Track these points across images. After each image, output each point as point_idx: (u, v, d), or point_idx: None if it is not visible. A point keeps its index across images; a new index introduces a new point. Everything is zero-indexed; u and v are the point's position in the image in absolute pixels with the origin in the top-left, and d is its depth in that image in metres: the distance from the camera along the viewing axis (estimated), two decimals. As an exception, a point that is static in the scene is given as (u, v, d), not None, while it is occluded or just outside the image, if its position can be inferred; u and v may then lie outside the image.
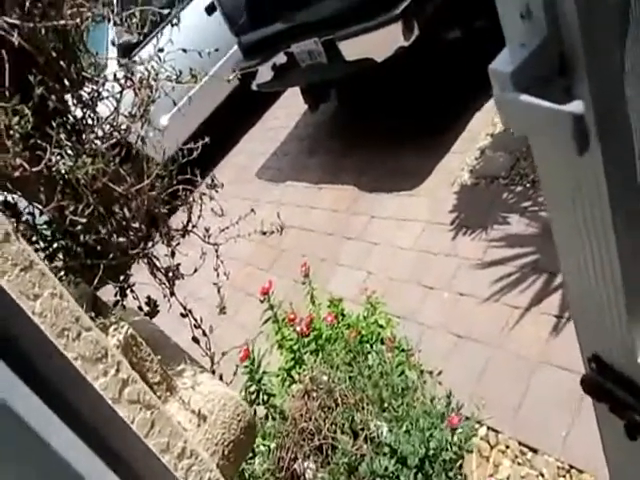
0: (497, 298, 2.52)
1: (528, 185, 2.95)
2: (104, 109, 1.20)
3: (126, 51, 4.31)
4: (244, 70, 4.30)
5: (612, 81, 0.44)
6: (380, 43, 3.41)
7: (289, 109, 5.50)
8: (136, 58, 1.36)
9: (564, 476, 1.84)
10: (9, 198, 1.01)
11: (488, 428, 2.11)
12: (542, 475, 1.88)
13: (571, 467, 1.84)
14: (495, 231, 2.84)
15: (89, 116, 1.13)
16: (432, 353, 2.48)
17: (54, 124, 0.96)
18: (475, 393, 2.20)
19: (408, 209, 3.45)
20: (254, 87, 4.41)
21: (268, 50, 4.09)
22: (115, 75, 1.19)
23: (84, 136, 1.08)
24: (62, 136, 1.01)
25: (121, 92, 1.20)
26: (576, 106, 0.41)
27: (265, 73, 4.17)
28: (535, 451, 1.95)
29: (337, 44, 3.59)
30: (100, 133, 1.13)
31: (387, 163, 3.93)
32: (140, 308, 1.33)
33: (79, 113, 1.12)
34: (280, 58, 3.98)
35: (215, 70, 4.93)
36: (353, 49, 3.55)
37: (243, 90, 4.67)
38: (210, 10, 5.00)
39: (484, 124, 3.61)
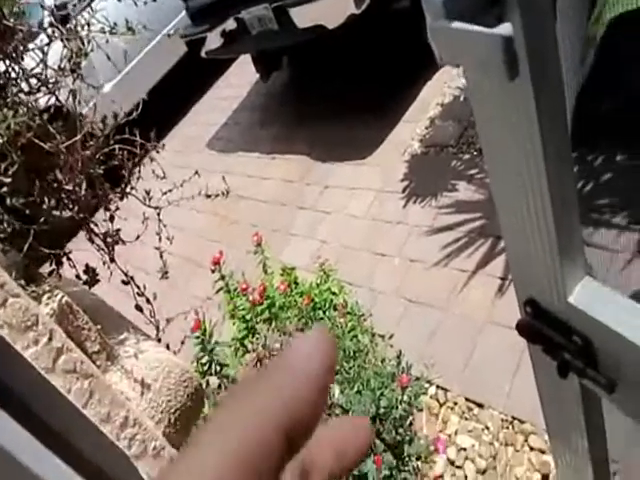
0: (446, 263, 2.58)
1: (475, 153, 3.01)
2: (32, 63, 1.12)
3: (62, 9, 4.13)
4: (192, 36, 4.18)
5: (542, 8, 0.43)
6: (332, 10, 3.38)
7: (241, 78, 5.38)
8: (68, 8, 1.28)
9: (507, 428, 1.93)
10: None
11: (437, 387, 2.17)
12: (487, 428, 1.97)
13: (514, 419, 1.93)
14: (444, 198, 2.89)
15: (13, 68, 1.05)
16: (384, 318, 2.52)
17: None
18: (425, 354, 2.25)
19: (360, 178, 3.46)
20: (203, 54, 4.28)
21: (217, 16, 3.96)
22: (41, 24, 1.11)
23: (7, 89, 1.00)
24: (-18, 89, 0.93)
25: (48, 44, 1.12)
26: (505, 28, 0.40)
27: (214, 40, 4.05)
28: (481, 406, 2.03)
29: (288, 10, 3.53)
30: (26, 87, 1.06)
31: (339, 133, 3.92)
32: (78, 277, 1.26)
33: (2, 66, 1.04)
34: (230, 24, 3.86)
35: (162, 36, 4.78)
36: (305, 16, 3.49)
37: (192, 58, 4.54)
38: None
39: (434, 93, 3.64)
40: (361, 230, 3.10)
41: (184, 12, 4.42)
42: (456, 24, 0.42)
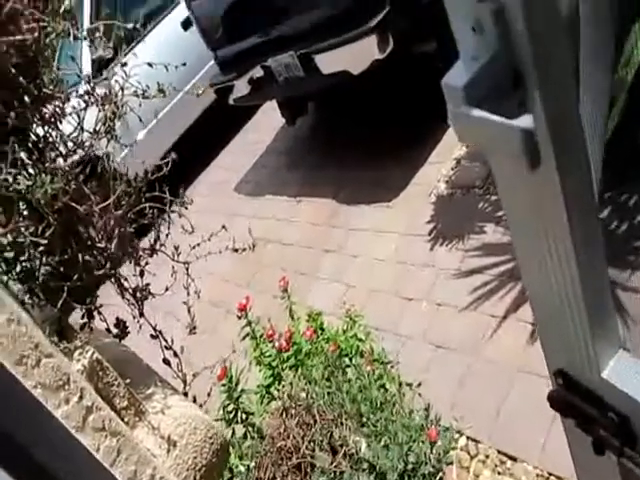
0: (475, 307, 2.53)
1: None
2: (69, 126, 1.17)
3: (101, 67, 4.29)
4: (221, 84, 4.29)
5: (564, 94, 0.43)
6: (356, 56, 3.42)
7: (267, 123, 5.48)
8: (104, 74, 1.33)
9: (543, 484, 1.84)
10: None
11: (468, 438, 2.10)
12: (522, 484, 1.88)
13: (550, 474, 1.84)
14: (472, 240, 2.85)
15: (50, 134, 1.09)
16: (411, 365, 2.47)
17: (11, 142, 0.92)
18: (454, 403, 2.20)
19: (386, 221, 3.45)
20: (231, 101, 4.39)
21: (245, 64, 4.07)
22: (78, 91, 1.16)
23: (45, 153, 1.05)
24: (22, 155, 0.97)
25: (85, 108, 1.17)
26: (526, 121, 0.40)
27: (242, 87, 4.15)
28: (514, 459, 1.95)
29: (313, 57, 3.60)
30: (63, 150, 1.10)
31: (365, 175, 3.94)
32: (109, 330, 1.28)
33: (41, 131, 1.09)
34: (257, 72, 3.97)
35: (192, 85, 4.92)
36: (329, 62, 3.56)
37: (220, 104, 4.65)
38: (186, 25, 4.97)
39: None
40: (387, 273, 3.08)
41: (213, 61, 4.57)
42: (477, 112, 0.41)
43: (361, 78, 3.48)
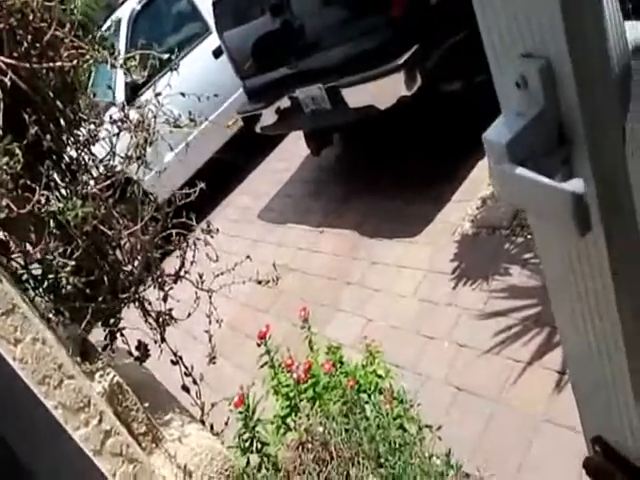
0: (498, 351, 2.45)
1: (529, 237, 2.88)
2: (101, 150, 1.19)
3: (133, 92, 4.40)
4: (248, 113, 4.36)
5: (614, 156, 0.41)
6: (383, 91, 3.45)
7: (293, 151, 5.53)
8: (136, 101, 1.36)
9: None
10: (1, 235, 0.99)
11: (489, 489, 2.02)
12: (545, 542, 1.79)
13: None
14: (496, 282, 2.79)
15: (83, 157, 1.11)
16: (432, 406, 2.40)
17: (46, 164, 0.94)
18: (476, 450, 2.12)
19: (409, 256, 3.41)
20: (258, 130, 4.46)
21: (272, 94, 4.14)
22: (111, 117, 1.19)
23: (78, 176, 1.06)
24: (56, 176, 0.99)
25: (117, 134, 1.19)
26: (577, 184, 0.37)
27: (269, 117, 4.22)
28: (537, 516, 1.87)
29: (341, 91, 3.64)
30: (95, 174, 1.12)
31: (388, 209, 3.92)
32: (130, 353, 1.29)
33: (74, 153, 1.11)
34: (284, 102, 4.03)
35: (220, 112, 5.00)
36: (356, 96, 3.58)
37: (248, 132, 4.72)
38: (217, 53, 5.11)
39: (486, 173, 3.58)
40: (409, 310, 3.02)
41: (241, 89, 4.66)
42: (522, 171, 0.39)
43: (388, 113, 3.49)
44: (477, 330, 2.60)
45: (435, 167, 3.91)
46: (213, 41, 5.09)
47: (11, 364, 0.82)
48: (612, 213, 0.41)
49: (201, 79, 4.38)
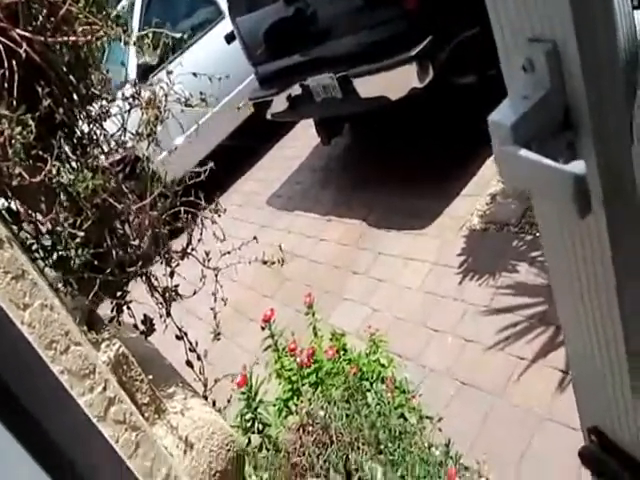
0: (502, 347, 2.45)
1: (538, 235, 2.88)
2: (112, 126, 1.21)
3: (145, 73, 4.41)
4: (259, 99, 4.37)
5: (618, 142, 0.42)
6: (395, 83, 3.43)
7: (303, 139, 5.53)
8: (149, 80, 1.38)
9: (564, 539, 1.75)
10: (12, 205, 1.01)
11: (487, 481, 2.04)
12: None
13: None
14: (503, 278, 2.78)
15: (95, 132, 1.13)
16: (433, 398, 2.40)
17: (59, 136, 0.96)
18: (475, 443, 2.13)
19: (415, 249, 3.41)
20: (268, 116, 4.46)
21: (284, 81, 4.14)
22: (123, 94, 1.21)
23: (89, 150, 1.08)
24: (67, 149, 1.01)
25: (129, 110, 1.21)
26: (578, 166, 0.38)
27: (280, 103, 4.22)
28: (536, 511, 1.87)
29: (352, 81, 3.62)
30: (105, 148, 1.14)
31: (397, 201, 3.92)
32: (136, 326, 1.31)
33: (86, 128, 1.13)
34: (295, 90, 4.03)
35: (232, 97, 5.01)
36: (368, 87, 3.57)
37: (258, 118, 4.72)
38: (230, 39, 5.10)
39: (495, 169, 3.57)
40: (414, 302, 3.03)
41: (253, 75, 4.66)
42: (525, 152, 0.39)
43: (399, 104, 3.47)
44: (482, 325, 2.60)
45: (445, 161, 3.89)
46: (226, 26, 5.08)
47: (19, 328, 0.85)
48: (614, 198, 0.42)
49: (213, 64, 4.39)
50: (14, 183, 0.88)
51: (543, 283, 2.60)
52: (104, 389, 0.99)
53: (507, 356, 2.41)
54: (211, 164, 1.47)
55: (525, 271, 2.73)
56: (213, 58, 4.88)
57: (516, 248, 2.91)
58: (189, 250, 1.37)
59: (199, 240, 1.42)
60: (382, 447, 2.13)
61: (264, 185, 5.36)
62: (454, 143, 3.94)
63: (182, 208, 1.36)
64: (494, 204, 3.35)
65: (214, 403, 1.44)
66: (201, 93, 1.50)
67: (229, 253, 1.61)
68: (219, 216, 1.53)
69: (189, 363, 1.40)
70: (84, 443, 0.91)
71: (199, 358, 1.41)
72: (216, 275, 1.52)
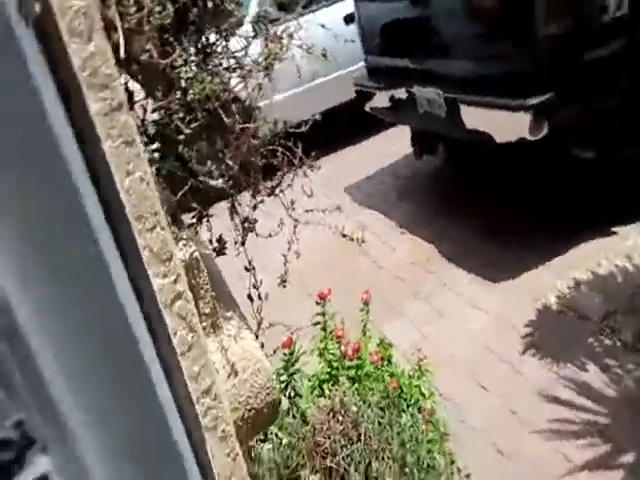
0: (551, 438, 2.35)
1: (619, 344, 2.70)
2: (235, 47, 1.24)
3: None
4: (364, 89, 4.35)
5: None
6: (504, 125, 3.22)
7: (401, 142, 5.42)
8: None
9: None
10: (129, 84, 1.05)
11: None
12: None
13: None
14: (569, 370, 2.65)
15: (219, 45, 1.17)
16: (467, 454, 2.34)
17: (190, 30, 1.00)
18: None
19: (483, 297, 3.31)
20: (367, 108, 4.44)
21: (391, 80, 4.11)
22: (253, 19, 1.24)
23: (210, 60, 1.12)
24: (192, 50, 1.05)
25: (254, 36, 1.25)
26: None
27: (382, 99, 4.20)
28: None
29: (460, 106, 3.48)
30: (225, 64, 1.17)
31: (473, 238, 3.81)
32: (210, 241, 1.34)
33: (213, 38, 1.17)
34: (400, 93, 4.01)
35: (343, 72, 4.99)
36: (475, 118, 3.40)
37: (359, 105, 4.66)
38: (348, 20, 5.05)
39: (588, 256, 3.31)
40: (469, 350, 2.96)
41: (360, 63, 4.65)
42: None
43: (503, 147, 3.28)
44: (534, 406, 2.49)
45: (536, 224, 3.69)
46: (347, 7, 5.04)
47: (118, 190, 0.87)
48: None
49: (327, 40, 4.42)
50: (142, 58, 0.92)
51: (611, 395, 2.44)
52: (175, 281, 1.00)
53: (554, 450, 2.29)
54: (318, 117, 1.49)
55: (595, 375, 2.57)
56: (328, 34, 4.94)
57: (591, 347, 2.74)
58: (277, 191, 1.39)
59: (289, 185, 1.44)
60: (407, 470, 2.09)
61: (349, 171, 5.30)
62: (553, 210, 3.72)
63: (280, 148, 1.38)
64: (576, 291, 3.14)
65: (262, 345, 1.45)
66: (323, 48, 1.53)
67: (312, 211, 1.62)
68: (312, 171, 1.54)
69: (250, 297, 1.41)
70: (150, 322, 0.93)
71: (260, 297, 1.42)
72: (295, 226, 1.54)
